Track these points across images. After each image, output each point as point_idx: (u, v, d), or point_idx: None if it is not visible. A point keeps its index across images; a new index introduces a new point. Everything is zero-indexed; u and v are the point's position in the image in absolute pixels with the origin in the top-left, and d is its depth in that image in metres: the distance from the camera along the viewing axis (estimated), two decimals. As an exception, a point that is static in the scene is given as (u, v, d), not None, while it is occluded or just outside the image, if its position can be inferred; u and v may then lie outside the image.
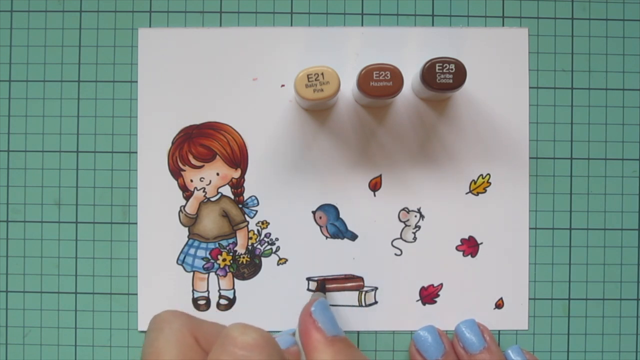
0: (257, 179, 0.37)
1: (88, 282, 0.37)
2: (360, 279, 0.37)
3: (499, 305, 0.37)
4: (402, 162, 0.37)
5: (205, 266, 0.37)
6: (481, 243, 0.37)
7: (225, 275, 0.37)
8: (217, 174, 0.37)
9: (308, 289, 0.37)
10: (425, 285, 0.37)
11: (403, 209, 0.37)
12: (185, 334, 0.27)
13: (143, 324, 0.37)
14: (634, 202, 0.38)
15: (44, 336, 0.37)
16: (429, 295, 0.37)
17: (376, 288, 0.37)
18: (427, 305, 0.37)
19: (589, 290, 0.38)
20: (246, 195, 0.37)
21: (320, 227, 0.37)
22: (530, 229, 0.37)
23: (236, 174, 0.37)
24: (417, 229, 0.37)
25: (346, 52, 0.37)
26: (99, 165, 0.37)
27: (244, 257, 0.37)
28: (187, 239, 0.37)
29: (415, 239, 0.37)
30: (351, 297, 0.37)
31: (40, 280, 0.37)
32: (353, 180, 0.37)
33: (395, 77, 0.33)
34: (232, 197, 0.37)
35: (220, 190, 0.37)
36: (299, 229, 0.37)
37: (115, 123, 0.37)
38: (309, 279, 0.37)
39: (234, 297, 0.37)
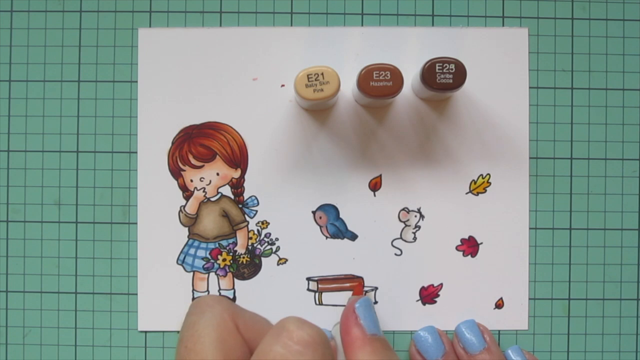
0: (257, 179, 0.37)
1: (88, 282, 0.37)
2: (360, 279, 0.37)
3: (499, 305, 0.37)
4: (402, 162, 0.37)
5: (205, 266, 0.37)
6: (481, 243, 0.37)
7: (225, 275, 0.37)
8: (217, 174, 0.37)
9: (308, 289, 0.37)
10: (425, 285, 0.37)
11: (403, 209, 0.37)
12: (226, 318, 0.27)
13: (143, 324, 0.37)
14: (634, 202, 0.38)
15: (44, 336, 0.37)
16: (429, 295, 0.37)
17: (376, 288, 0.37)
18: (427, 305, 0.37)
19: (589, 290, 0.38)
20: (246, 195, 0.37)
21: (320, 227, 0.37)
22: (530, 229, 0.37)
23: (236, 174, 0.37)
24: (417, 229, 0.37)
25: (346, 52, 0.37)
26: (99, 165, 0.37)
27: (244, 257, 0.37)
28: (187, 239, 0.37)
29: (415, 239, 0.37)
30: (351, 297, 0.37)
31: (40, 280, 0.37)
32: (353, 180, 0.37)
33: (395, 77, 0.33)
34: (232, 197, 0.37)
35: (220, 190, 0.37)
36: (299, 229, 0.37)
37: (115, 123, 0.37)
38: (309, 279, 0.37)
39: (234, 297, 0.37)
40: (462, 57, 0.35)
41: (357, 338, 0.31)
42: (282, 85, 0.37)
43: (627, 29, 0.38)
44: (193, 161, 0.37)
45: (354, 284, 0.37)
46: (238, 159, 0.37)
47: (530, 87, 0.37)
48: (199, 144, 0.37)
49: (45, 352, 0.37)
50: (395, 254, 0.37)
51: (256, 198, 0.37)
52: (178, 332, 0.37)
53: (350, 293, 0.37)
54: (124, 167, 0.37)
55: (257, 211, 0.37)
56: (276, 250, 0.37)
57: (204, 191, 0.37)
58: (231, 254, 0.37)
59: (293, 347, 0.25)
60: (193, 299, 0.37)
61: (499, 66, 0.37)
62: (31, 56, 0.37)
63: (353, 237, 0.37)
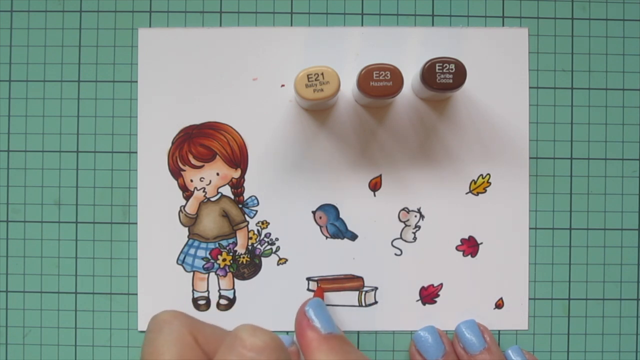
0: (257, 179, 0.37)
1: (88, 282, 0.37)
2: (360, 279, 0.37)
3: (499, 305, 0.37)
4: (402, 162, 0.37)
5: (205, 266, 0.37)
6: (481, 243, 0.37)
7: (225, 275, 0.37)
8: (217, 174, 0.37)
9: (308, 289, 0.37)
10: (425, 285, 0.37)
11: (403, 209, 0.37)
12: (184, 333, 0.27)
13: (143, 324, 0.37)
14: (634, 202, 0.38)
15: (44, 336, 0.37)
16: (429, 295, 0.37)
17: (376, 288, 0.37)
18: (427, 305, 0.37)
19: (589, 290, 0.38)
20: (246, 195, 0.37)
21: (320, 227, 0.37)
22: (530, 229, 0.37)
23: (236, 174, 0.37)
24: (417, 229, 0.37)
25: (346, 52, 0.37)
26: (99, 165, 0.37)
27: (244, 257, 0.37)
28: (187, 239, 0.37)
29: (415, 239, 0.37)
30: (351, 297, 0.37)
31: (40, 280, 0.37)
32: (353, 180, 0.37)
33: (395, 77, 0.33)
34: (232, 197, 0.37)
35: (220, 190, 0.37)
36: (299, 229, 0.37)
37: (115, 123, 0.37)
38: (309, 279, 0.37)
39: (234, 297, 0.37)
40: (462, 57, 0.35)
41: (313, 339, 0.31)
42: (282, 85, 0.37)
43: (627, 29, 0.38)
44: (193, 161, 0.37)
45: (355, 284, 0.37)
46: (238, 159, 0.37)
47: (530, 87, 0.37)
48: (199, 144, 0.37)
49: (45, 352, 0.37)
50: (395, 254, 0.37)
51: (256, 198, 0.37)
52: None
53: (350, 293, 0.37)
54: (124, 167, 0.37)
55: (257, 211, 0.37)
56: (276, 250, 0.37)
57: (204, 191, 0.37)
58: (231, 254, 0.37)
59: (247, 355, 0.25)
60: (193, 299, 0.37)
61: (499, 66, 0.37)
62: (31, 56, 0.37)
63: (353, 237, 0.37)
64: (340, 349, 0.30)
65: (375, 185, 0.37)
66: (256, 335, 0.25)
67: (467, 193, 0.37)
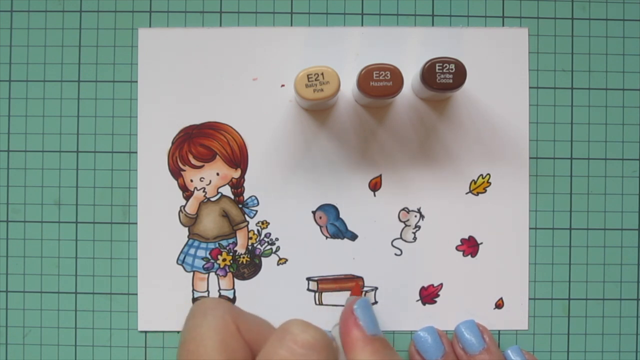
0: (257, 179, 0.37)
1: (88, 282, 0.37)
2: (360, 279, 0.37)
3: (499, 305, 0.37)
4: (402, 162, 0.37)
5: (205, 266, 0.37)
6: (481, 243, 0.37)
7: (225, 275, 0.37)
8: (217, 174, 0.37)
9: (308, 289, 0.37)
10: (425, 285, 0.37)
11: (403, 209, 0.37)
12: (228, 321, 0.27)
13: (143, 324, 0.37)
14: (634, 202, 0.38)
15: (44, 336, 0.37)
16: (429, 295, 0.37)
17: (376, 288, 0.37)
18: (427, 305, 0.37)
19: (589, 290, 0.38)
20: (246, 195, 0.37)
21: (320, 227, 0.37)
22: (530, 229, 0.37)
23: (236, 174, 0.37)
24: (417, 229, 0.37)
25: (346, 52, 0.37)
26: (99, 165, 0.37)
27: (244, 257, 0.37)
28: (187, 239, 0.37)
29: (415, 239, 0.37)
30: (351, 297, 0.37)
31: (40, 280, 0.37)
32: (353, 180, 0.37)
33: (395, 77, 0.33)
34: (232, 197, 0.37)
35: (220, 190, 0.37)
36: (299, 229, 0.37)
37: (115, 123, 0.37)
38: (309, 279, 0.37)
39: (234, 297, 0.37)
40: (462, 57, 0.35)
41: (358, 339, 0.31)
42: (282, 85, 0.37)
43: (627, 29, 0.38)
44: (193, 161, 0.37)
45: (354, 284, 0.37)
46: (238, 159, 0.37)
47: (530, 87, 0.37)
48: (199, 144, 0.37)
49: (45, 352, 0.37)
50: (395, 254, 0.37)
51: (256, 198, 0.37)
52: (178, 332, 0.37)
53: (349, 293, 0.37)
54: (124, 167, 0.37)
55: (257, 211, 0.37)
56: (276, 250, 0.37)
57: (204, 191, 0.37)
58: (231, 254, 0.37)
59: (297, 351, 0.25)
60: (193, 299, 0.37)
61: (499, 66, 0.37)
62: (31, 56, 0.37)
63: (353, 237, 0.37)
64: (383, 352, 0.30)
65: (375, 185, 0.37)
66: (307, 331, 0.26)
67: (467, 193, 0.37)
